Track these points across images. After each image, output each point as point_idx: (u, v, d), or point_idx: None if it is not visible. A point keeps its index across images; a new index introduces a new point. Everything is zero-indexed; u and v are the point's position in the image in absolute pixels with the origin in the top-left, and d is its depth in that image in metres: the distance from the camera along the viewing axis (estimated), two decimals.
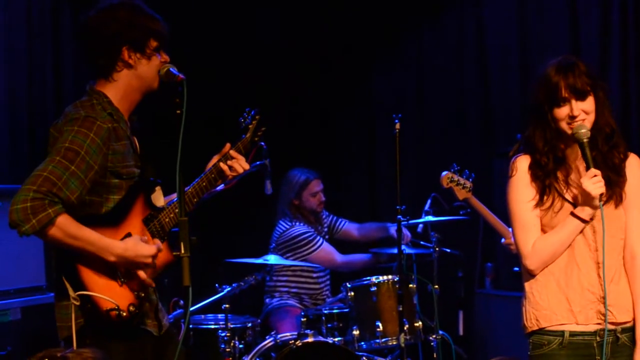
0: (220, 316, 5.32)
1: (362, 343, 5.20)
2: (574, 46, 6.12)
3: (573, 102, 3.21)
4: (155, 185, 3.34)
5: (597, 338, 3.23)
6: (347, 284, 5.32)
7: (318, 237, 5.87)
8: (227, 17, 6.96)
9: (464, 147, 6.61)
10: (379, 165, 7.19)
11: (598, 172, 3.18)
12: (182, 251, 2.99)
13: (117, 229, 3.21)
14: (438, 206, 5.59)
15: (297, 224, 5.94)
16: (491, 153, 6.33)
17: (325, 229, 6.13)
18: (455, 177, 4.90)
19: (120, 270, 3.20)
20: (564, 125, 3.24)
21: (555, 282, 3.27)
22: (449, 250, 5.71)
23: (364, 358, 5.15)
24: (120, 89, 3.27)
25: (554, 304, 3.26)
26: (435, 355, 5.39)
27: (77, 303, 3.13)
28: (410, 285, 5.28)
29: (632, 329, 3.27)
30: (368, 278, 5.31)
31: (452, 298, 6.00)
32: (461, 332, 5.97)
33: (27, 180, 3.02)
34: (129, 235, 3.22)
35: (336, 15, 7.11)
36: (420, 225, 5.59)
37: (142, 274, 3.20)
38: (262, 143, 3.77)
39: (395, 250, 5.18)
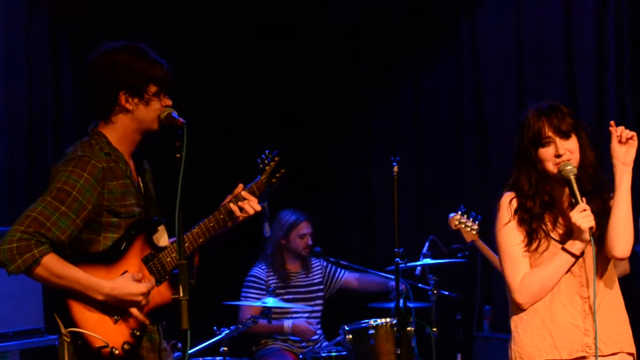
0: (218, 359, 5.30)
1: None
2: (570, 83, 6.15)
3: (558, 141, 3.29)
4: (157, 225, 3.34)
5: None
6: (345, 326, 5.32)
7: (251, 291, 5.89)
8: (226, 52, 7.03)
9: (462, 187, 6.61)
10: (376, 206, 7.20)
11: (587, 206, 3.23)
12: (181, 294, 2.99)
13: (113, 267, 3.20)
14: (436, 248, 5.60)
15: (261, 266, 6.00)
16: (490, 194, 6.32)
17: (319, 278, 6.12)
18: (463, 219, 4.91)
19: (115, 308, 3.19)
20: (549, 165, 3.30)
21: (539, 320, 3.32)
22: (447, 293, 5.70)
23: None
24: (119, 130, 3.28)
25: (537, 340, 3.31)
26: None
27: (68, 340, 3.13)
28: (409, 328, 5.27)
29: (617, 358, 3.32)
30: (366, 321, 5.31)
31: (451, 341, 5.99)
32: None
33: (17, 220, 3.07)
34: (125, 274, 3.22)
35: (332, 53, 7.16)
36: (418, 268, 5.59)
37: (134, 311, 3.19)
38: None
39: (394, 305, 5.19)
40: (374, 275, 6.05)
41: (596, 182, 3.35)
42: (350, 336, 5.29)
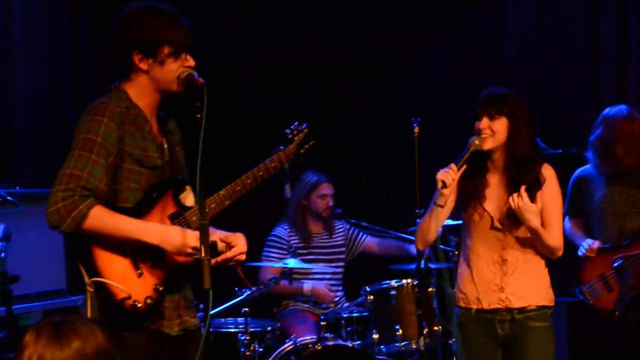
0: (240, 320, 5.32)
1: (382, 346, 5.20)
2: (593, 54, 6.13)
3: (484, 118, 4.00)
4: (184, 184, 3.36)
5: (497, 316, 4.05)
6: (367, 287, 5.32)
7: (273, 251, 5.90)
8: (250, 21, 7.00)
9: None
10: (397, 169, 7.17)
11: (455, 168, 3.94)
12: (203, 254, 3.01)
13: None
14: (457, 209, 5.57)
15: (283, 226, 6.01)
16: None
17: (341, 240, 6.13)
18: None
19: (140, 261, 3.22)
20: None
21: (470, 274, 4.13)
22: None
23: None
24: (137, 89, 3.31)
25: (467, 290, 4.14)
26: (454, 359, 5.38)
27: (92, 290, 3.17)
28: (430, 289, 5.28)
29: (528, 311, 4.04)
30: (387, 282, 5.31)
31: None
32: None
33: (55, 182, 3.12)
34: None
35: (357, 22, 7.12)
36: (440, 229, 5.56)
37: (181, 258, 3.22)
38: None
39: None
40: (395, 239, 6.05)
41: (523, 168, 3.99)
42: (372, 297, 5.29)
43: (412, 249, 5.59)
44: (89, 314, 3.19)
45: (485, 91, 4.11)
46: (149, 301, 3.20)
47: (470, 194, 4.09)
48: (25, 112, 5.73)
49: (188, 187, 3.38)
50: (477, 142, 4.00)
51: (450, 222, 5.46)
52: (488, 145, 4.01)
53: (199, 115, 3.07)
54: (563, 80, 6.38)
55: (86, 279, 3.18)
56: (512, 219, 4.01)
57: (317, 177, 6.03)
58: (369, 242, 6.18)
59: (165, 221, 3.29)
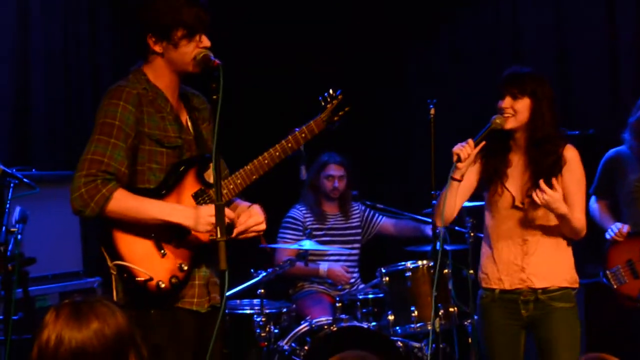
0: (255, 301, 5.33)
1: (397, 328, 5.21)
2: (610, 30, 6.09)
3: (507, 97, 3.97)
4: (208, 161, 3.35)
5: (521, 297, 4.04)
6: (382, 269, 5.32)
7: (288, 232, 5.89)
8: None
9: None
10: (413, 151, 7.15)
11: (472, 144, 3.92)
12: (219, 235, 3.01)
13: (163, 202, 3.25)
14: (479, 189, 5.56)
15: (298, 207, 6.01)
16: None
17: (356, 222, 6.12)
18: None
19: (163, 242, 3.23)
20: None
21: (491, 254, 4.13)
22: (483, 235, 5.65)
23: (399, 343, 5.15)
24: (155, 70, 3.33)
25: (489, 270, 4.14)
26: (470, 340, 5.38)
27: (114, 273, 3.19)
28: (445, 271, 5.27)
29: (552, 291, 4.03)
30: (403, 263, 5.30)
31: None
32: None
33: (77, 167, 3.16)
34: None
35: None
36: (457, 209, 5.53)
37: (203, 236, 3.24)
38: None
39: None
40: (411, 220, 6.03)
41: (544, 149, 3.97)
42: (387, 278, 5.29)
43: (428, 230, 5.57)
44: (114, 296, 3.22)
45: (509, 70, 4.09)
46: (174, 280, 3.22)
47: (491, 174, 4.08)
48: (42, 95, 5.73)
49: (212, 164, 3.35)
50: (498, 120, 3.97)
51: (467, 203, 5.46)
52: (510, 124, 3.98)
53: (215, 97, 3.07)
54: (581, 61, 6.33)
55: (109, 262, 3.20)
56: (533, 199, 3.95)
57: (326, 157, 6.02)
58: (385, 223, 6.17)
59: (189, 200, 3.30)
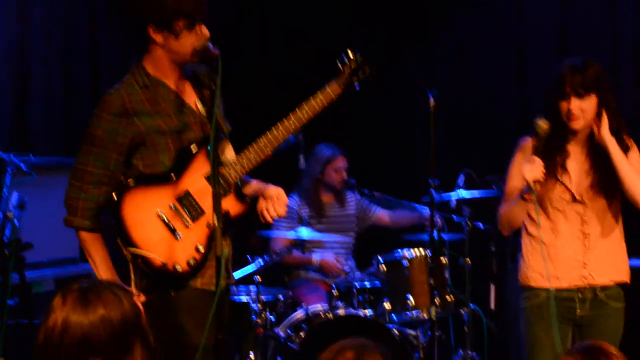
0: (251, 288, 5.33)
1: (393, 315, 5.21)
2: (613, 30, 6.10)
3: (573, 99, 3.71)
4: (221, 140, 3.37)
5: (579, 294, 3.85)
6: (379, 257, 5.33)
7: (283, 221, 5.83)
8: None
9: (498, 125, 6.55)
10: (412, 139, 7.14)
11: (539, 161, 3.67)
12: (214, 222, 3.04)
13: (174, 185, 3.29)
14: (471, 182, 5.56)
15: (293, 196, 5.99)
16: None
17: (353, 212, 6.12)
18: None
19: (176, 224, 3.25)
20: (564, 118, 3.75)
21: (545, 251, 3.83)
22: (481, 225, 5.67)
23: (395, 330, 5.16)
24: (155, 62, 3.34)
25: (543, 269, 3.81)
26: (466, 329, 5.40)
27: (129, 258, 3.25)
28: (442, 259, 5.27)
29: (610, 288, 3.87)
30: (400, 251, 5.31)
31: (484, 272, 5.97)
32: (492, 306, 5.94)
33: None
34: (187, 193, 3.30)
35: None
36: (453, 200, 5.56)
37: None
38: None
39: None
40: (407, 211, 6.03)
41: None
42: (384, 266, 5.29)
43: (426, 213, 5.54)
44: (132, 281, 3.29)
45: (567, 65, 3.78)
46: (191, 262, 3.26)
47: (548, 170, 3.77)
48: (39, 80, 5.72)
49: (225, 142, 3.40)
50: (544, 126, 3.74)
51: (465, 194, 5.47)
52: (579, 125, 3.76)
53: (213, 86, 3.09)
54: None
55: (123, 249, 3.25)
56: (593, 191, 3.83)
57: (331, 151, 6.00)
58: (381, 214, 6.17)
59: (201, 181, 3.32)
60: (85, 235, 3.35)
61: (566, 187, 3.85)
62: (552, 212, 3.88)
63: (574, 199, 3.85)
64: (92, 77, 5.94)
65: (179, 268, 3.23)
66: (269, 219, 3.49)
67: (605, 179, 3.82)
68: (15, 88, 5.61)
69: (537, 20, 6.54)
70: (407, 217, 6.03)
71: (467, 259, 5.44)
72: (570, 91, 3.70)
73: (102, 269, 3.35)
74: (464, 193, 5.47)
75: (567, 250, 3.86)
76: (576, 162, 3.86)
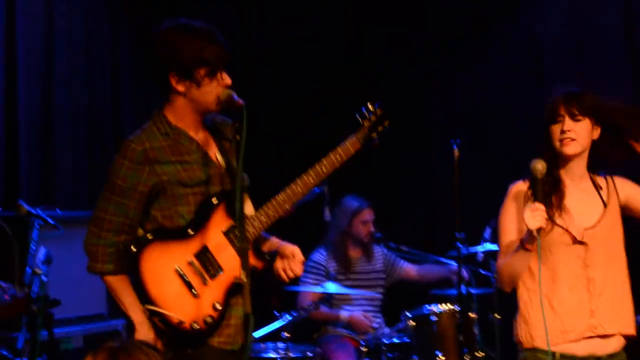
0: (280, 345, 5.29)
1: None
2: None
3: (567, 120, 3.47)
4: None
5: None
6: (407, 313, 5.28)
7: (310, 276, 5.84)
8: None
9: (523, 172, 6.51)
10: (436, 192, 7.13)
11: (541, 207, 3.34)
12: (243, 279, 2.99)
13: (192, 240, 3.24)
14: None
15: (321, 251, 5.97)
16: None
17: (380, 266, 6.09)
18: None
19: (194, 281, 3.20)
20: (556, 143, 3.51)
21: (548, 304, 3.46)
22: None
23: None
24: (177, 111, 3.29)
25: (548, 324, 3.41)
26: None
27: (147, 315, 3.19)
28: (471, 315, 5.22)
29: (616, 355, 3.49)
30: (428, 307, 5.26)
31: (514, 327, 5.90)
32: None
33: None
34: (205, 248, 3.25)
35: (393, 38, 7.15)
36: (480, 253, 5.52)
37: None
38: None
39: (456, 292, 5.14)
40: (434, 264, 6.00)
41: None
42: (412, 322, 5.24)
43: (454, 268, 5.51)
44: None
45: (561, 91, 3.57)
46: (209, 320, 3.19)
47: (549, 214, 3.45)
48: (65, 133, 5.77)
49: (244, 196, 3.33)
50: (539, 167, 3.40)
51: (490, 246, 5.44)
52: (572, 150, 3.50)
53: (238, 137, 3.06)
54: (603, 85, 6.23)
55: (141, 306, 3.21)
56: (594, 231, 3.50)
57: (358, 203, 5.99)
58: (408, 268, 6.14)
59: (219, 237, 3.27)
60: (111, 280, 3.29)
61: (564, 228, 3.49)
62: (551, 259, 3.50)
63: (575, 241, 3.49)
64: (115, 129, 5.99)
65: (196, 326, 3.17)
66: (285, 278, 3.44)
67: (607, 217, 3.54)
68: (41, 143, 5.66)
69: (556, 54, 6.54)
70: (435, 271, 5.99)
71: (496, 314, 5.37)
72: (564, 113, 3.48)
73: (134, 311, 3.25)
74: (490, 246, 5.44)
75: (571, 298, 3.47)
76: (573, 200, 3.55)
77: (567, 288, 3.47)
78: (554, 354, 3.44)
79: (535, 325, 3.49)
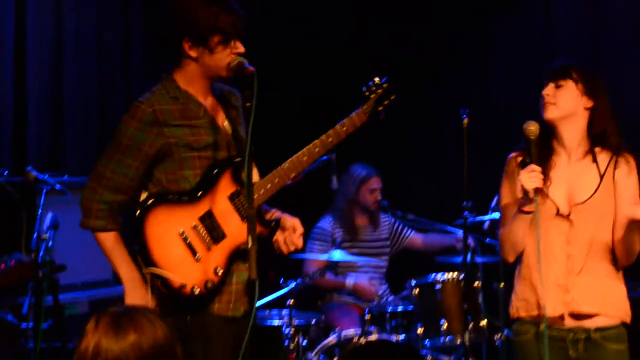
0: (284, 312, 5.30)
1: (426, 341, 5.16)
2: None
3: (549, 85, 3.48)
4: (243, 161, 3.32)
5: (572, 335, 3.44)
6: (412, 281, 5.28)
7: (317, 243, 5.86)
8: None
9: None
10: (444, 161, 7.12)
11: (537, 168, 3.34)
12: (249, 244, 2.96)
13: (197, 204, 3.25)
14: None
15: (328, 218, 5.98)
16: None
17: (386, 234, 6.09)
18: None
19: (198, 246, 3.22)
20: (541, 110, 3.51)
21: (531, 276, 3.48)
22: None
23: (429, 356, 5.10)
24: (187, 75, 3.31)
25: (528, 295, 3.48)
26: (499, 355, 5.33)
27: (148, 279, 3.20)
28: (476, 283, 5.22)
29: (606, 329, 3.44)
30: (433, 275, 5.26)
31: None
32: None
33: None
34: (209, 213, 3.26)
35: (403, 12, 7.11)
36: (487, 222, 5.51)
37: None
38: None
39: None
40: (440, 233, 5.99)
41: (604, 146, 3.48)
42: (417, 290, 5.25)
43: (459, 236, 5.51)
44: (149, 300, 3.23)
45: (559, 62, 3.58)
46: (209, 285, 3.20)
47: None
48: (74, 100, 5.77)
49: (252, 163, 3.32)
50: (533, 127, 3.39)
51: (497, 215, 5.41)
52: (550, 114, 3.47)
53: (248, 104, 3.04)
54: (617, 72, 6.23)
55: (143, 268, 3.20)
56: (583, 207, 3.43)
57: (366, 171, 5.99)
58: (414, 237, 6.14)
59: (225, 202, 3.28)
60: (102, 237, 3.31)
61: (550, 199, 3.45)
62: (534, 229, 3.43)
63: (558, 213, 3.46)
64: (126, 96, 5.98)
65: (197, 290, 3.18)
66: (284, 251, 3.44)
67: (600, 194, 3.46)
68: (51, 109, 5.66)
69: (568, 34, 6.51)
70: (440, 240, 5.99)
71: (502, 283, 5.37)
72: (549, 80, 3.50)
73: (124, 269, 3.29)
74: (497, 215, 5.42)
75: (550, 275, 3.44)
76: (562, 171, 3.49)
77: (545, 262, 3.43)
78: (538, 323, 3.43)
79: (519, 295, 3.55)
